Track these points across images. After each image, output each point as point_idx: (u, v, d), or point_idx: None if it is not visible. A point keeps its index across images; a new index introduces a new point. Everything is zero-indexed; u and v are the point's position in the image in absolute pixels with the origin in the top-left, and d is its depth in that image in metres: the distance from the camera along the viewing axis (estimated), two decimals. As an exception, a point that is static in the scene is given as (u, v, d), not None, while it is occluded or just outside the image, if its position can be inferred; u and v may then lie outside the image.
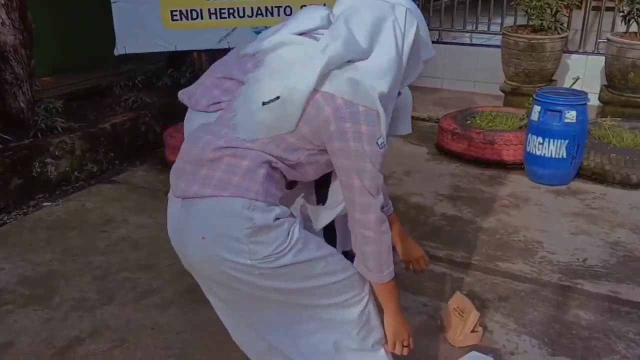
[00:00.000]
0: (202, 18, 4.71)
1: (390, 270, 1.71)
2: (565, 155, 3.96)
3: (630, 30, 5.03)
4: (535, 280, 2.95)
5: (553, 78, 5.30)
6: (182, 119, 2.11)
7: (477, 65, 5.95)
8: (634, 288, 2.88)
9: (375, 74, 1.55)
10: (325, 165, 1.66)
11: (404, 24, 1.62)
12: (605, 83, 5.12)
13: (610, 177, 4.06)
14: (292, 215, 1.64)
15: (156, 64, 5.89)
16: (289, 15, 4.90)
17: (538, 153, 4.03)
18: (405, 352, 1.79)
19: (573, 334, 2.54)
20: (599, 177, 4.11)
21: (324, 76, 1.53)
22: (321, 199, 1.90)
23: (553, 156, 3.98)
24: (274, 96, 1.54)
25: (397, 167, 4.38)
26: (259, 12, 4.84)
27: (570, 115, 3.89)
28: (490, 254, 3.21)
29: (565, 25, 5.29)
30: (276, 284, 1.59)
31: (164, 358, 2.40)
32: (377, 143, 1.55)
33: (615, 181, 4.05)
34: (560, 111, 3.90)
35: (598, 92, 5.13)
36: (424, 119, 5.42)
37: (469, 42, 6.29)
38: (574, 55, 5.64)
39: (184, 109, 2.11)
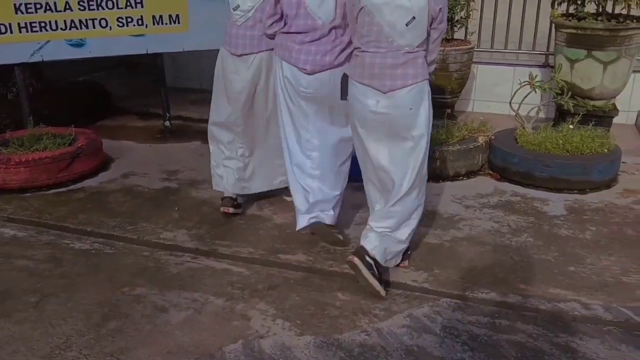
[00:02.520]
0: (11, 32, 4.68)
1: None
2: (360, 153, 4.28)
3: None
4: (308, 268, 3.21)
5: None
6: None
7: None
8: (395, 269, 3.19)
9: None
10: None
11: None
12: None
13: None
14: None
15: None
16: (105, 27, 4.96)
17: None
18: None
19: (325, 313, 2.80)
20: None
21: None
22: None
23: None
24: (411, 17, 2.63)
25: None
26: (73, 25, 4.85)
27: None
28: (276, 247, 3.44)
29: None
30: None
31: None
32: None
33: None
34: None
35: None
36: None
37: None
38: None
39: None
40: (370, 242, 2.90)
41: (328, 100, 3.12)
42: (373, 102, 2.74)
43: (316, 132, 3.25)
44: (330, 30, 3.00)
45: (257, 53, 3.35)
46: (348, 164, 3.40)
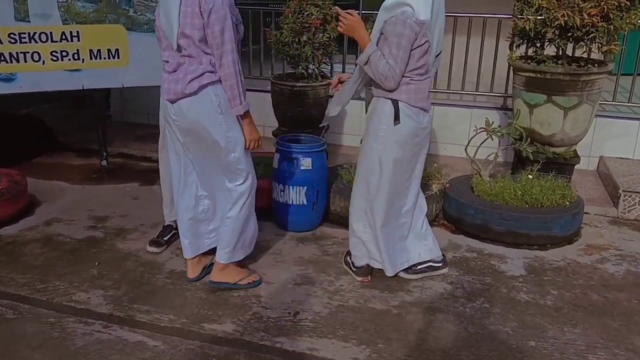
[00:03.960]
0: None
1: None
2: (305, 202, 3.95)
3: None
4: (235, 342, 2.81)
5: (323, 124, 5.33)
6: None
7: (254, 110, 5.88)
8: (334, 342, 2.82)
9: None
10: None
11: None
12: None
13: (355, 221, 4.07)
14: None
15: None
16: (38, 61, 4.58)
17: (281, 200, 3.99)
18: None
19: (246, 401, 2.41)
20: (345, 221, 4.11)
21: None
22: None
23: (294, 203, 3.95)
24: (439, 52, 3.16)
25: (147, 220, 4.15)
26: (2, 58, 4.49)
27: (306, 162, 3.89)
28: (201, 314, 3.05)
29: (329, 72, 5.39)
30: None
31: None
32: None
33: (360, 224, 4.07)
34: (296, 158, 3.89)
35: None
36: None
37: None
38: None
39: None
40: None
41: (197, 131, 3.06)
42: (422, 119, 3.16)
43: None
44: (184, 58, 3.00)
45: None
46: None
